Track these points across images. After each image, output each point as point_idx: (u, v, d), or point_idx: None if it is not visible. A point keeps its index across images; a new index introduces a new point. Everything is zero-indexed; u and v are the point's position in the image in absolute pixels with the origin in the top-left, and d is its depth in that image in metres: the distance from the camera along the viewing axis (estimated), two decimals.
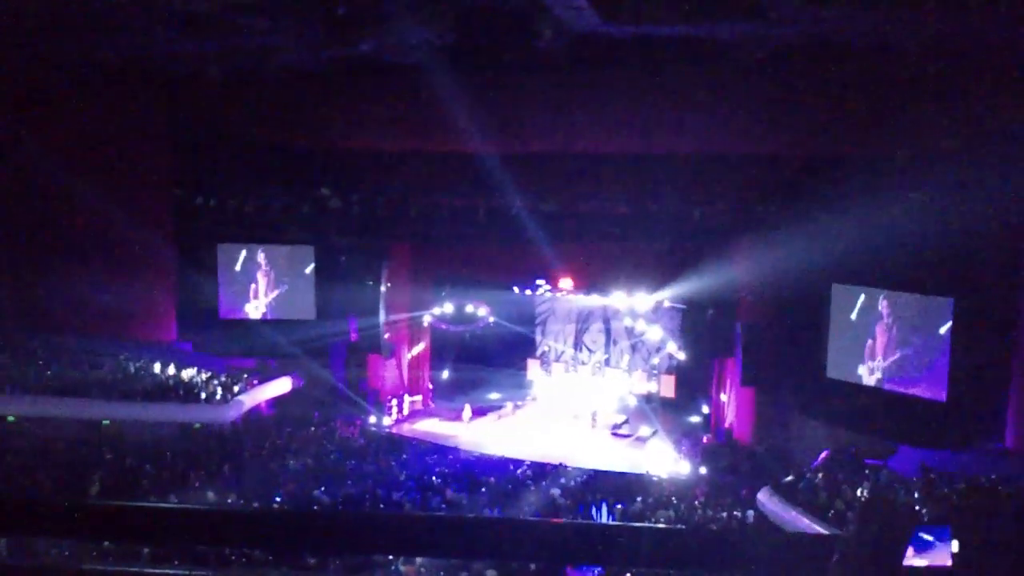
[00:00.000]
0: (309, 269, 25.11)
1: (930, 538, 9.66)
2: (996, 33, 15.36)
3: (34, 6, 15.96)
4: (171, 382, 21.74)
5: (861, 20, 15.18)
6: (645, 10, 15.31)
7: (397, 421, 25.32)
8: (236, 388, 22.11)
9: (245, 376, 23.13)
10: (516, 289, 26.55)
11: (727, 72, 18.82)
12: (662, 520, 16.68)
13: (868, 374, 19.71)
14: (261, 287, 25.23)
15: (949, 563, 9.57)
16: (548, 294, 27.01)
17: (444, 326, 27.45)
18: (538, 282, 25.97)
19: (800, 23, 15.43)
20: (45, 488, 16.45)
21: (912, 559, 1.70)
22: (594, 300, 26.66)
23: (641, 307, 25.43)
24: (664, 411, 25.64)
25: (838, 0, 14.29)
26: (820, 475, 18.31)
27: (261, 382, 23.29)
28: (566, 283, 25.52)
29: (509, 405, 26.82)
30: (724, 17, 15.47)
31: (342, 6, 16.17)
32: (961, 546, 10.37)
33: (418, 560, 11.61)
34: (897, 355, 19.18)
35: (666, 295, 24.21)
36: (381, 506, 17.12)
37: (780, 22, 15.37)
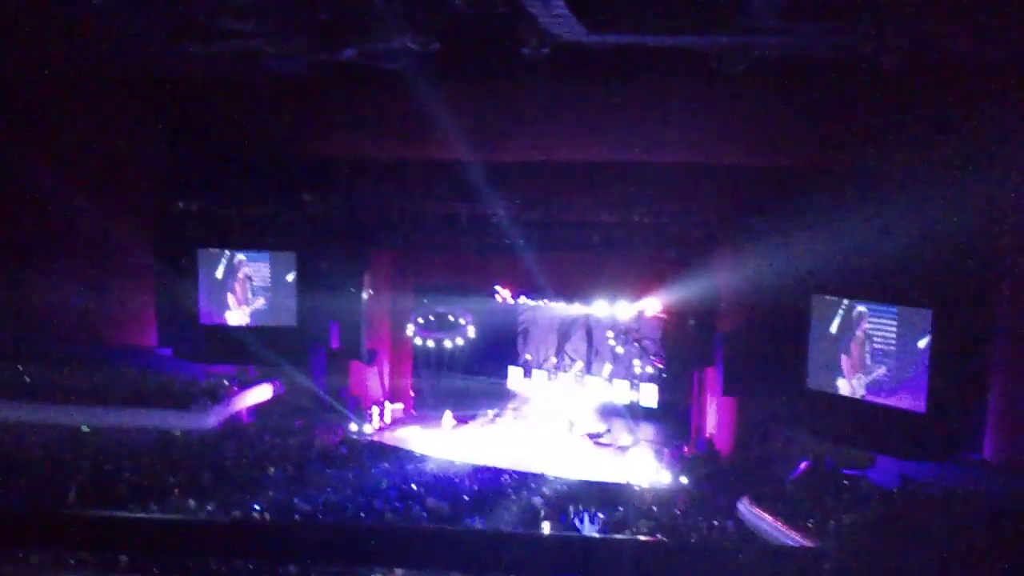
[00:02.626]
0: (291, 276, 24.98)
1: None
2: (975, 49, 15.52)
3: (15, 10, 15.88)
4: (151, 388, 21.63)
5: (840, 35, 15.31)
6: (629, 20, 15.37)
7: (378, 429, 25.24)
8: (216, 395, 22.02)
9: (225, 383, 23.04)
10: (498, 297, 26.57)
11: (710, 83, 18.91)
12: (644, 529, 16.73)
13: (848, 389, 19.80)
14: (240, 295, 25.09)
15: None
16: (531, 303, 27.05)
17: (426, 333, 27.42)
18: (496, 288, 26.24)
19: (781, 36, 15.55)
20: (22, 495, 16.32)
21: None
22: (576, 309, 26.70)
23: (623, 316, 25.50)
24: (645, 420, 25.68)
25: (817, 15, 14.40)
26: (799, 486, 18.40)
27: (241, 389, 23.22)
28: (504, 292, 25.96)
29: (490, 413, 26.78)
30: (706, 29, 15.55)
31: (325, 12, 16.16)
32: (940, 556, 10.43)
33: (398, 571, 11.57)
34: (876, 368, 19.28)
35: (648, 305, 24.28)
36: (362, 515, 17.09)
37: (761, 35, 15.48)
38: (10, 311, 22.69)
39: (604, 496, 19.64)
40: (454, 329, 27.37)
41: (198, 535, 2.44)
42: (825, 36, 15.48)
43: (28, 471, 17.94)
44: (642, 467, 22.32)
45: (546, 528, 17.07)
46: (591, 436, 25.08)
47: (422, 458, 22.65)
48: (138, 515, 2.65)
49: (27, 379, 21.41)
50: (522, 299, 26.66)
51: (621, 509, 18.42)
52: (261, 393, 23.91)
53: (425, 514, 17.43)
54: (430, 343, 27.42)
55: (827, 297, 20.29)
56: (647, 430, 25.27)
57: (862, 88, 18.09)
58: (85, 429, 20.45)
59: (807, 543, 15.45)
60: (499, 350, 28.14)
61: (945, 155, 17.56)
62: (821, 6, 14.29)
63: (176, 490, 17.34)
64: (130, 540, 2.45)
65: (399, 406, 26.75)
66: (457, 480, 20.41)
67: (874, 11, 14.06)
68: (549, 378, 27.86)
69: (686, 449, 23.41)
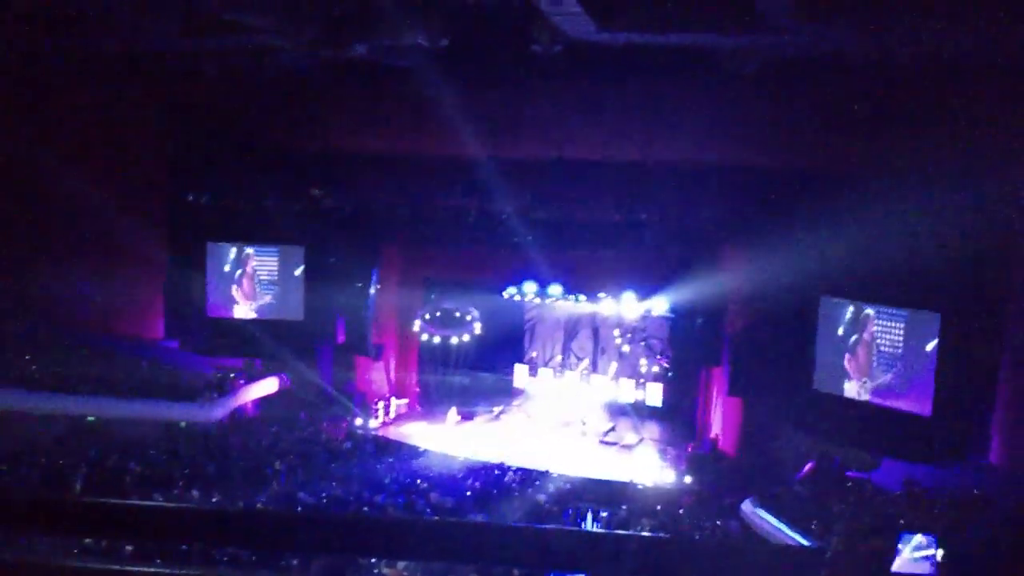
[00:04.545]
0: (299, 270, 25.01)
1: (915, 550, 9.69)
2: (993, 52, 15.43)
3: (30, 3, 15.92)
4: (157, 380, 21.70)
5: (859, 35, 15.23)
6: (640, 18, 15.34)
7: (383, 424, 25.27)
8: (222, 387, 22.06)
9: (232, 375, 23.09)
10: (505, 294, 26.51)
11: (722, 82, 18.85)
12: (647, 528, 16.71)
13: (854, 391, 19.73)
14: (247, 289, 25.12)
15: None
16: (537, 300, 26.98)
17: (432, 329, 27.41)
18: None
19: (797, 36, 15.48)
20: (28, 483, 16.38)
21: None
22: (583, 307, 26.65)
23: (630, 315, 25.44)
24: (650, 419, 25.63)
25: (837, 14, 14.33)
26: (804, 487, 18.36)
27: (248, 382, 23.25)
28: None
29: (495, 410, 26.78)
30: (721, 28, 15.49)
31: (336, 8, 16.17)
32: (945, 557, 10.41)
33: (400, 563, 11.60)
34: (882, 372, 19.22)
35: (655, 303, 24.22)
36: (365, 508, 17.11)
37: (777, 34, 15.42)
38: (18, 301, 22.74)
39: (608, 494, 19.63)
40: (461, 325, 27.34)
41: (201, 524, 2.44)
42: (837, 36, 15.42)
43: (34, 460, 18.00)
44: (646, 466, 22.30)
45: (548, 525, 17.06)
46: (597, 434, 25.06)
47: (426, 454, 22.67)
48: (142, 503, 2.66)
49: (34, 368, 21.47)
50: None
51: (624, 508, 18.41)
52: (267, 386, 23.95)
53: (428, 509, 17.44)
54: (436, 339, 27.39)
55: (835, 299, 20.24)
56: (652, 429, 25.22)
57: (874, 89, 18.03)
58: (91, 419, 20.51)
59: (810, 544, 15.43)
60: (505, 347, 28.08)
61: (957, 158, 17.49)
62: (833, 6, 14.23)
63: (181, 482, 17.38)
64: (133, 528, 2.45)
65: (404, 401, 26.78)
66: (461, 476, 20.41)
67: (887, 10, 13.99)
68: (555, 376, 27.83)
69: (690, 448, 23.37)
